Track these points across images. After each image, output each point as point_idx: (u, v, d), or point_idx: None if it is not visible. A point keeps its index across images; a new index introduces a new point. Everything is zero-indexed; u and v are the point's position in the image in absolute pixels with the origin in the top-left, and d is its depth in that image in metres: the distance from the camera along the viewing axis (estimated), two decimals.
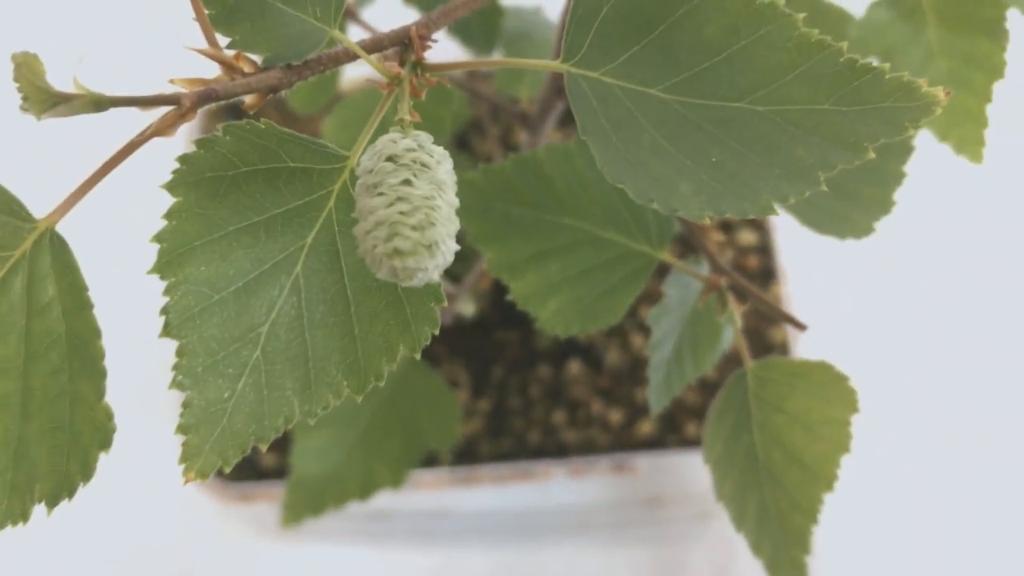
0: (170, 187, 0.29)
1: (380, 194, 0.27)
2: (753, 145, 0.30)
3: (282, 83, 0.29)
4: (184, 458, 0.29)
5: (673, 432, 0.69)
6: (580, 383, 0.70)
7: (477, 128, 0.74)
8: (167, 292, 0.29)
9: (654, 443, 0.69)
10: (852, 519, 0.74)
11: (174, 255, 0.29)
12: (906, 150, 0.45)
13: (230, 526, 0.74)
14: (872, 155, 0.29)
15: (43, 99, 0.25)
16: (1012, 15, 0.47)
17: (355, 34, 0.40)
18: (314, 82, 0.55)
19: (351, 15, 0.52)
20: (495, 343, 0.71)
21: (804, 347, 0.68)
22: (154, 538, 0.75)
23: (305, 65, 0.29)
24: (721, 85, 0.30)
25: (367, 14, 0.53)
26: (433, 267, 0.27)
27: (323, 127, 0.52)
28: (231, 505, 0.66)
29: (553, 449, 0.68)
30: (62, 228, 0.28)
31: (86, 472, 0.26)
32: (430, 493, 0.67)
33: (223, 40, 0.29)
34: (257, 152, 0.30)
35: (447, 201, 0.27)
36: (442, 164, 0.28)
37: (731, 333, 0.45)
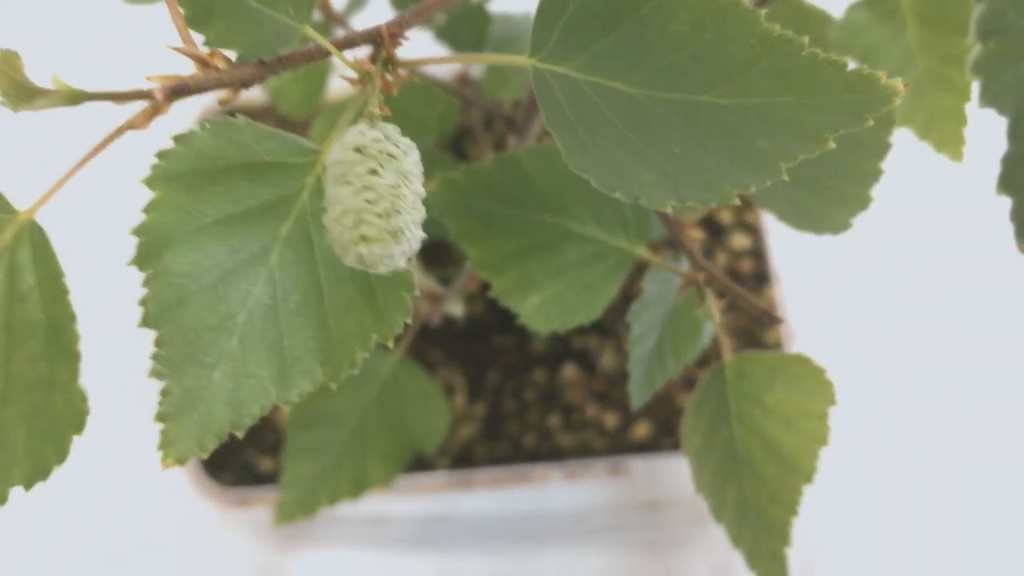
0: (148, 182, 0.30)
1: (347, 183, 0.28)
2: (717, 137, 0.31)
3: (254, 78, 0.29)
4: (162, 445, 0.30)
5: (668, 435, 0.70)
6: (575, 387, 0.71)
7: (470, 135, 0.75)
8: (146, 283, 0.30)
9: (649, 446, 0.69)
10: (832, 511, 0.74)
11: (153, 247, 0.30)
12: (883, 147, 0.45)
13: (228, 531, 0.75)
14: (833, 145, 0.30)
15: (21, 93, 0.26)
16: None
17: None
18: (302, 89, 0.57)
19: (340, 21, 0.53)
20: (491, 348, 0.72)
21: (798, 347, 0.68)
22: (152, 542, 0.76)
23: (278, 61, 0.30)
24: (686, 79, 0.31)
25: (358, 20, 0.54)
26: (399, 253, 0.27)
27: (311, 131, 0.53)
28: (229, 510, 0.66)
29: (549, 453, 0.69)
30: (42, 219, 0.29)
31: (61, 455, 0.26)
32: (427, 498, 0.67)
33: (199, 38, 0.30)
34: (233, 147, 0.30)
35: (413, 190, 0.28)
36: (408, 155, 0.29)
37: (711, 328, 0.45)
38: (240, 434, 0.31)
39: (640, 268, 0.47)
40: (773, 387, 0.42)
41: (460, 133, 0.74)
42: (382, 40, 0.31)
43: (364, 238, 0.27)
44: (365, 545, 0.75)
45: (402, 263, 0.28)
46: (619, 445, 0.69)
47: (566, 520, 0.74)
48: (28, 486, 0.27)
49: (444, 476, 0.66)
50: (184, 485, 0.66)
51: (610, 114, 0.31)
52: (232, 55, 0.31)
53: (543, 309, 0.42)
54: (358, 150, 0.28)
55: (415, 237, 0.28)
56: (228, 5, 0.30)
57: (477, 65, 0.66)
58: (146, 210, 0.30)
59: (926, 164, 0.51)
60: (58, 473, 0.29)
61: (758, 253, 0.74)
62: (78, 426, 0.26)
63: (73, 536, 0.75)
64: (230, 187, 0.31)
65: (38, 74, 0.28)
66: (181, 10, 0.29)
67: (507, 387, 0.71)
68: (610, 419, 0.70)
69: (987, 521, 0.74)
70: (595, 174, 0.30)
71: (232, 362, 0.31)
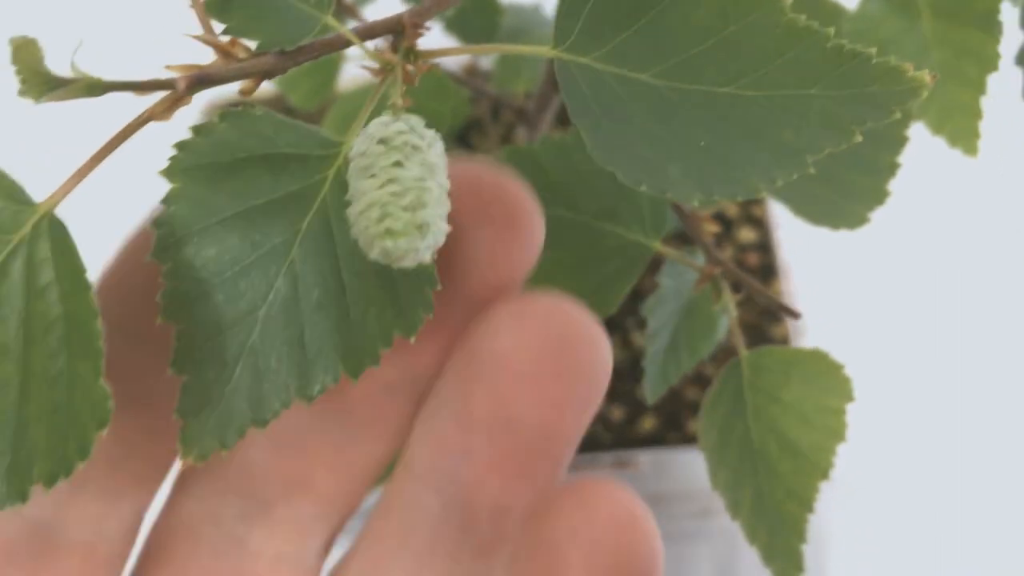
0: (167, 174, 0.30)
1: (372, 176, 0.27)
2: (742, 129, 0.30)
3: (276, 68, 0.29)
4: (183, 441, 0.30)
5: (675, 429, 0.69)
6: None
7: (478, 126, 0.75)
8: (165, 277, 0.30)
9: (656, 440, 0.69)
10: (845, 507, 0.74)
11: (172, 240, 0.30)
12: (900, 141, 0.45)
13: None
14: (860, 138, 0.30)
15: (41, 83, 0.25)
16: (1005, 8, 0.47)
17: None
18: (313, 80, 0.56)
19: (352, 13, 0.52)
20: None
21: (806, 343, 0.68)
22: None
23: (299, 51, 0.29)
24: (710, 70, 0.31)
25: (368, 11, 0.54)
26: (424, 247, 0.27)
27: (323, 123, 0.52)
28: None
29: None
30: (61, 212, 0.28)
31: (83, 451, 0.26)
32: None
33: (219, 27, 0.29)
34: (253, 139, 0.30)
35: (438, 183, 0.28)
36: (433, 147, 0.28)
37: (726, 323, 0.45)
38: (262, 430, 0.30)
39: (650, 263, 0.46)
40: (790, 383, 0.42)
41: (468, 125, 0.74)
42: (403, 30, 0.31)
43: (390, 232, 0.27)
44: None
45: (427, 257, 0.27)
46: (625, 438, 0.69)
47: None
48: (49, 483, 0.26)
49: None
50: None
51: (634, 105, 0.31)
52: (251, 45, 0.30)
53: None
54: (382, 142, 0.28)
55: (441, 231, 0.27)
56: None
57: (485, 57, 0.65)
58: (164, 202, 0.30)
59: (936, 157, 0.51)
60: None
61: (765, 246, 0.74)
62: (102, 422, 0.26)
63: None
64: (250, 180, 0.30)
65: (52, 63, 0.27)
66: None
67: None
68: (616, 412, 0.69)
69: (1003, 515, 0.74)
70: (622, 168, 0.29)
71: (252, 357, 0.30)
